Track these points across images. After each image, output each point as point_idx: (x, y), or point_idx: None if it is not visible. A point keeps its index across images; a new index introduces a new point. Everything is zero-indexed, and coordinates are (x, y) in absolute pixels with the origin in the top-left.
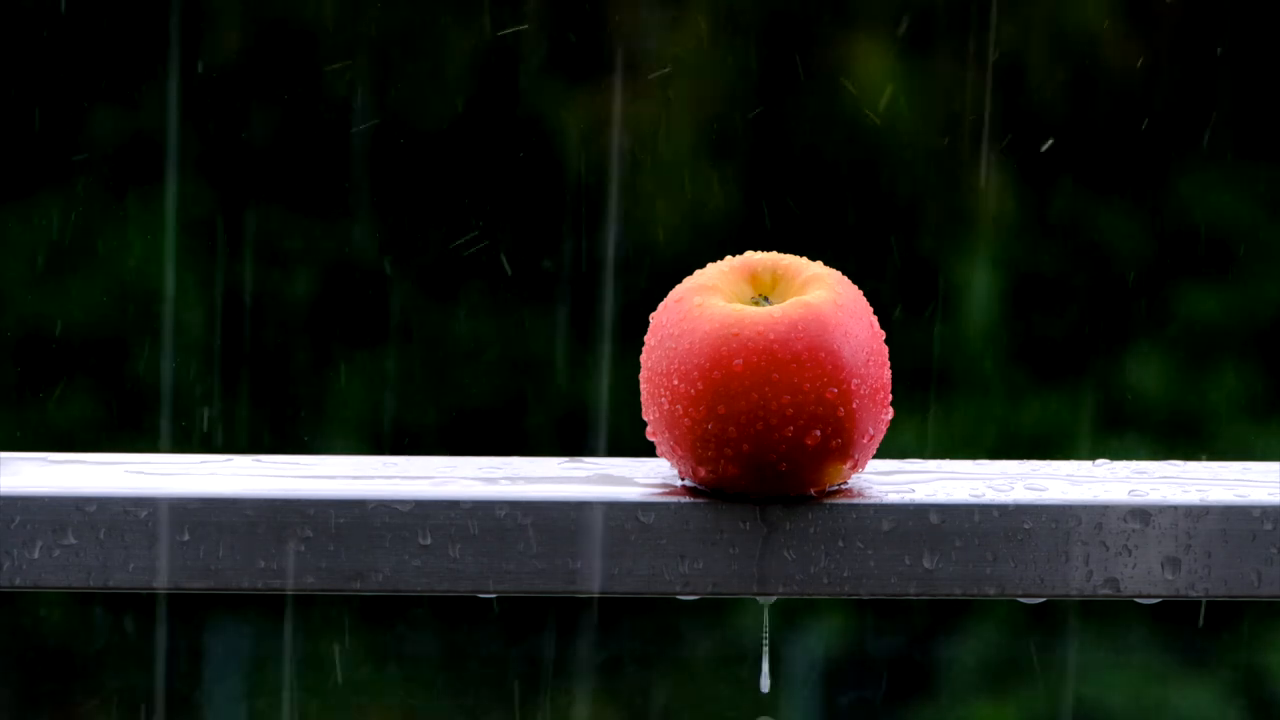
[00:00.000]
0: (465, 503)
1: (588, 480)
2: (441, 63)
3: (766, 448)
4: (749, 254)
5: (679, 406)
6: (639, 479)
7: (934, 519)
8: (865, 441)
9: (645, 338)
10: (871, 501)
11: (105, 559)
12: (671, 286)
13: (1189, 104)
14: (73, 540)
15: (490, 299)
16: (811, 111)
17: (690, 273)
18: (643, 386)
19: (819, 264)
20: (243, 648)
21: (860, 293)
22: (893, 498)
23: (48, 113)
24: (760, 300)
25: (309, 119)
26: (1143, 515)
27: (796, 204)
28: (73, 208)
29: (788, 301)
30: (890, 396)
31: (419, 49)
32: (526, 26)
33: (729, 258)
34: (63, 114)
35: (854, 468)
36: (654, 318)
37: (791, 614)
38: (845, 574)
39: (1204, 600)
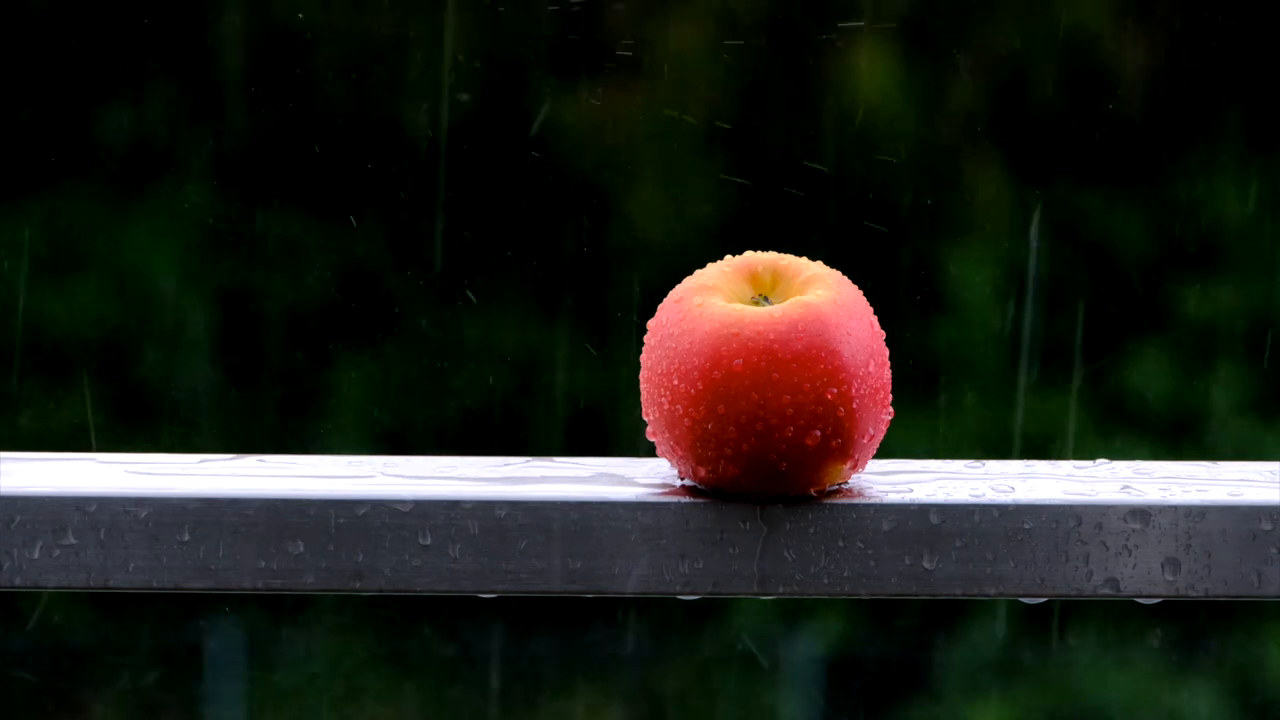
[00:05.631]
0: (465, 503)
1: (588, 480)
2: (443, 63)
3: (766, 448)
4: (749, 254)
5: (679, 406)
6: (639, 479)
7: (934, 519)
8: (865, 441)
9: (645, 338)
10: (871, 501)
11: (105, 559)
12: (671, 286)
13: (1190, 102)
14: (73, 540)
15: (491, 299)
16: (811, 110)
17: (690, 273)
18: (643, 387)
19: (819, 264)
20: (243, 648)
21: (860, 293)
22: (893, 498)
23: (50, 113)
24: (760, 300)
25: (311, 120)
26: (1143, 515)
27: (796, 203)
28: (75, 208)
29: (788, 301)
30: (890, 396)
31: (421, 49)
32: (525, 27)
33: (729, 257)
34: (66, 114)
35: (854, 468)
36: (654, 318)
37: (792, 614)
38: (845, 574)
39: (1204, 600)
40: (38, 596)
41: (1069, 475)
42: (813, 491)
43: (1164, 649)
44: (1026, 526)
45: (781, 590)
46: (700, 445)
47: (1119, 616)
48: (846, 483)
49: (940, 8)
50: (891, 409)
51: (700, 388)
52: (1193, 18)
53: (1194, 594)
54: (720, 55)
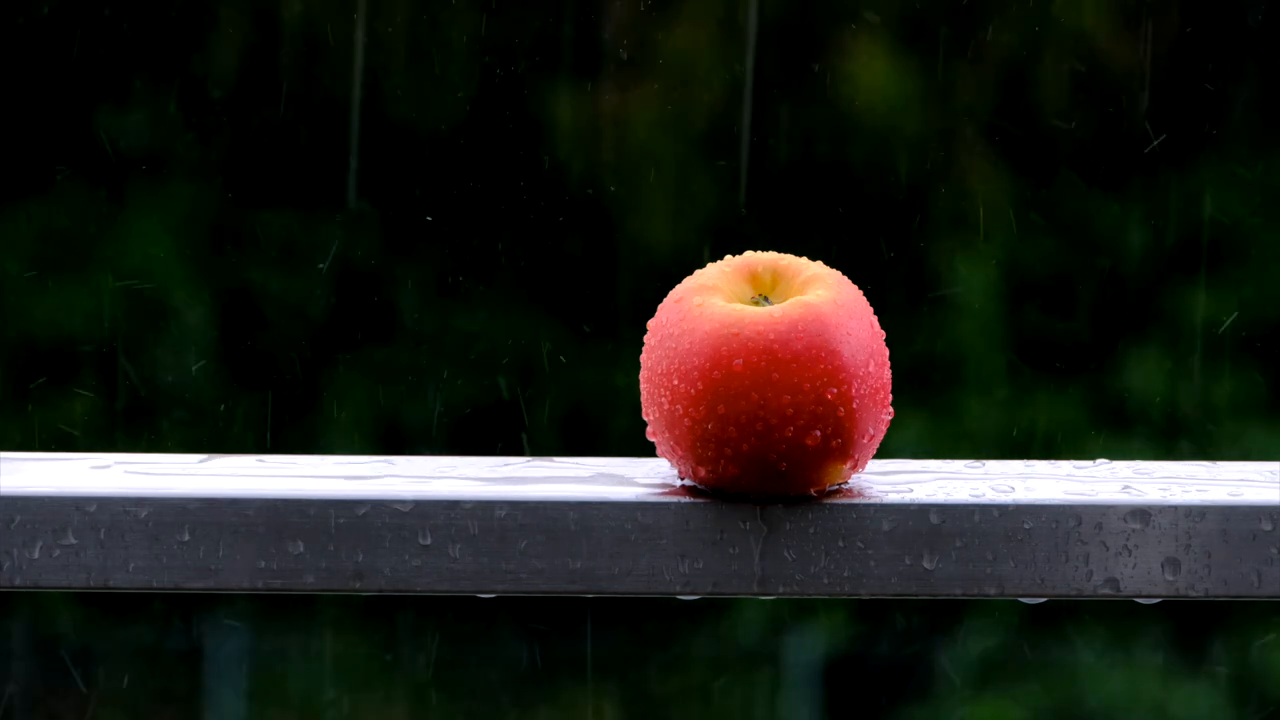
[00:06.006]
0: (465, 503)
1: (588, 480)
2: (442, 63)
3: (766, 448)
4: (749, 254)
5: (679, 406)
6: (639, 479)
7: (934, 519)
8: (865, 441)
9: (645, 338)
10: (871, 501)
11: (105, 559)
12: (671, 286)
13: (1190, 102)
14: (73, 540)
15: (491, 298)
16: (810, 110)
17: (690, 273)
18: (643, 386)
19: (819, 264)
20: (243, 648)
21: (860, 292)
22: (893, 498)
23: (49, 113)
24: (760, 300)
25: (310, 119)
26: (1143, 515)
27: (795, 203)
28: (75, 208)
29: (788, 301)
30: (890, 396)
31: (421, 50)
32: (525, 27)
33: (729, 257)
34: (65, 114)
35: (854, 468)
36: (654, 318)
37: (792, 614)
38: (845, 574)
39: (1204, 600)
40: (37, 596)
41: (1069, 475)
42: (813, 491)
43: (1164, 649)
44: (1026, 526)
45: (781, 590)
46: (700, 445)
47: (1119, 616)
48: (846, 483)
49: (941, 7)
50: (891, 409)
51: (700, 388)
52: (1193, 17)
53: (1194, 594)
54: (721, 55)
